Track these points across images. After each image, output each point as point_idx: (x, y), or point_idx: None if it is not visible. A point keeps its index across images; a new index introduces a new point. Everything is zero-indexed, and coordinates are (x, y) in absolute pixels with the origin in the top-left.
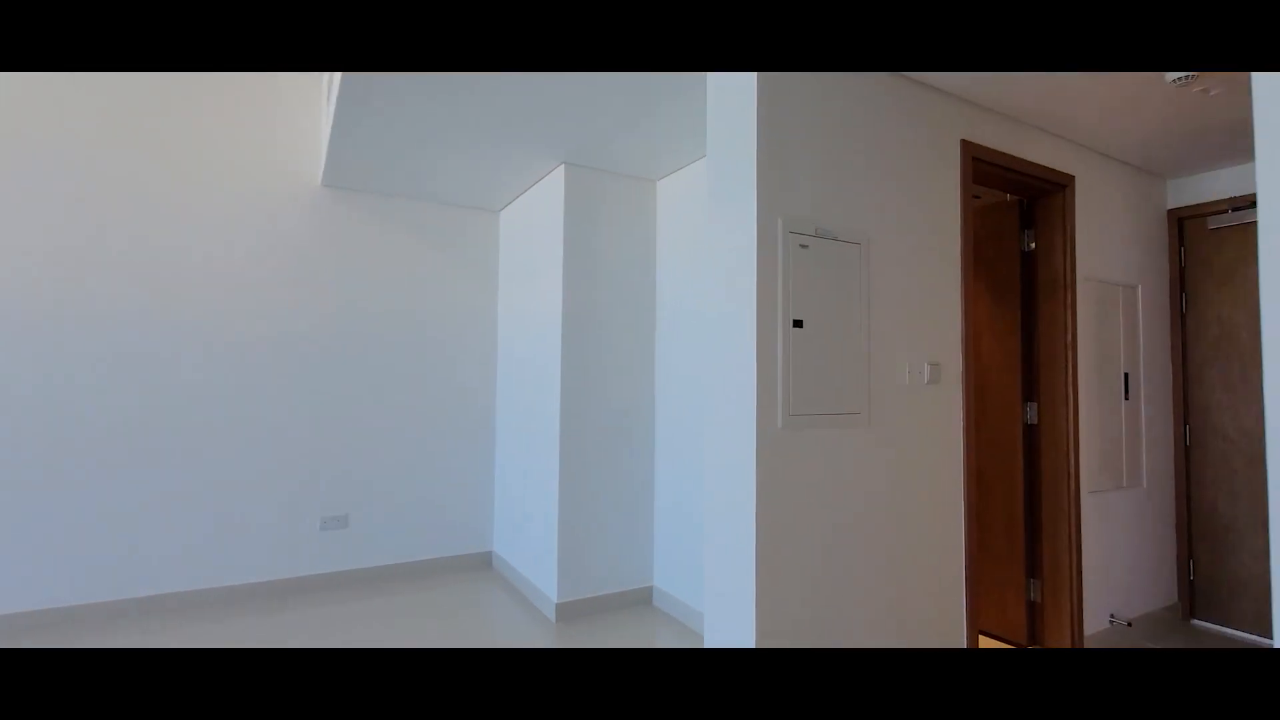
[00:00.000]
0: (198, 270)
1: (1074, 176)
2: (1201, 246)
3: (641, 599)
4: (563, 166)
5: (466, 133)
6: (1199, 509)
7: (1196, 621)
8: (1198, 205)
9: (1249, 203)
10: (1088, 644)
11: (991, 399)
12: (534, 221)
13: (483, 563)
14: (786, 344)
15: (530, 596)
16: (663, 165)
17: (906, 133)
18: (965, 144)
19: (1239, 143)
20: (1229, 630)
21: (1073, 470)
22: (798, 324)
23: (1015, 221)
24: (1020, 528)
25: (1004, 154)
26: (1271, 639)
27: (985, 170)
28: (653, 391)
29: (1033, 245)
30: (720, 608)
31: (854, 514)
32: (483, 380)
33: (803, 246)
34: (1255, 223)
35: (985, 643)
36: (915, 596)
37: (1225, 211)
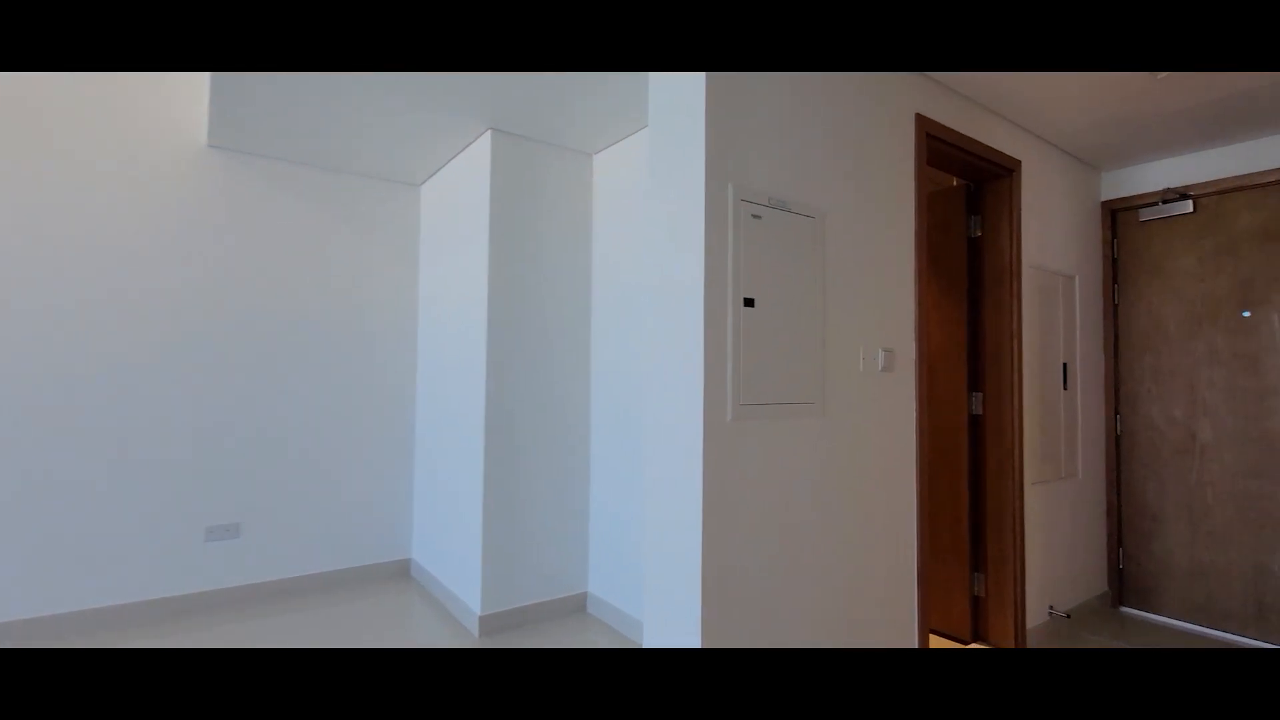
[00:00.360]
0: (52, 243)
1: (1020, 161)
2: (1133, 238)
3: (575, 607)
4: (489, 133)
5: (374, 91)
6: (1128, 498)
7: (1125, 609)
8: (1130, 197)
9: (1178, 195)
10: (1030, 637)
11: (938, 389)
12: (458, 196)
13: (399, 572)
14: (737, 325)
15: (452, 609)
16: (600, 137)
17: (861, 101)
18: (920, 119)
19: (1175, 134)
20: (1155, 617)
21: (1017, 462)
22: (749, 303)
23: (962, 207)
24: (965, 521)
25: (955, 132)
26: (1194, 624)
27: (937, 148)
28: (588, 381)
29: (979, 232)
30: (661, 614)
31: (807, 512)
32: (401, 370)
33: (755, 217)
34: (1183, 215)
35: (934, 641)
36: (868, 596)
37: (1156, 204)
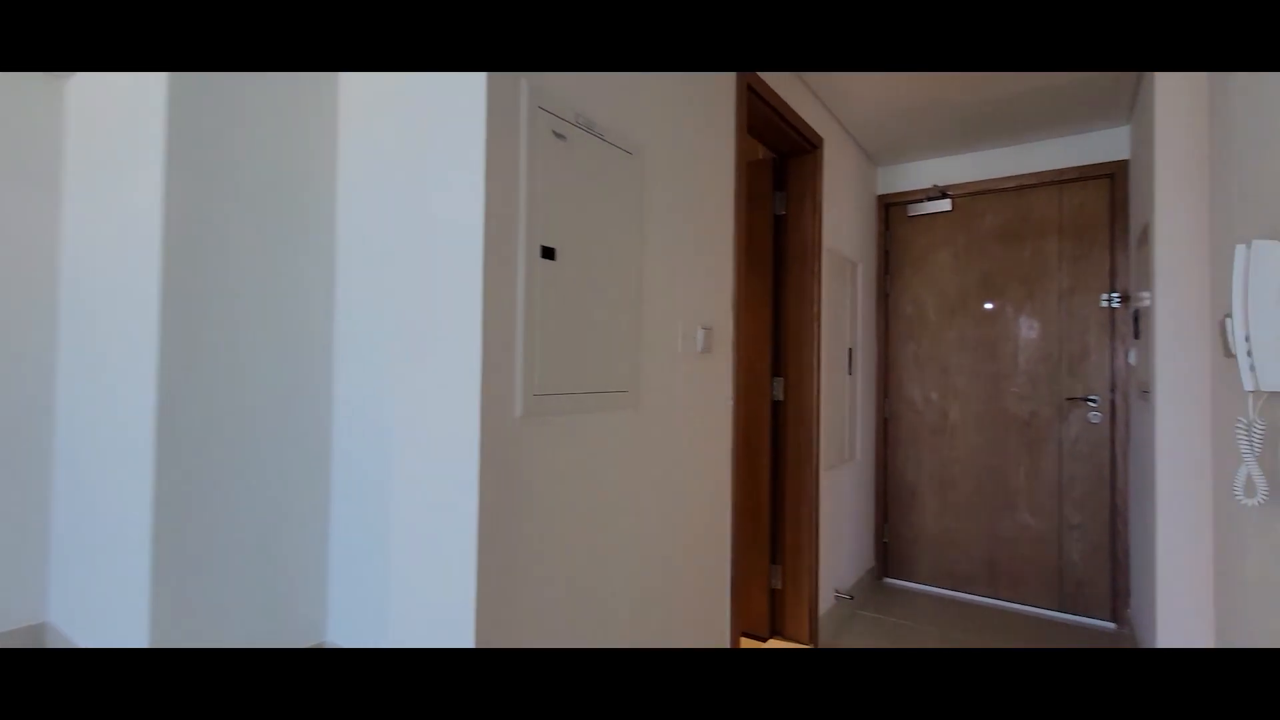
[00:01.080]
0: None
1: (824, 139)
2: (902, 232)
3: None
4: None
5: None
6: (892, 476)
7: (888, 580)
8: (900, 193)
9: (939, 194)
10: (821, 625)
11: (743, 374)
12: (121, 95)
13: (28, 642)
14: (532, 283)
15: None
16: None
17: None
18: None
19: (938, 137)
20: (912, 584)
21: (815, 448)
22: (548, 254)
23: (769, 182)
24: (766, 513)
25: (772, 91)
26: (943, 588)
27: (754, 106)
28: (329, 368)
29: (784, 210)
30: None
31: (615, 520)
32: (28, 356)
33: (557, 136)
34: (941, 214)
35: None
36: (680, 600)
37: (921, 201)
